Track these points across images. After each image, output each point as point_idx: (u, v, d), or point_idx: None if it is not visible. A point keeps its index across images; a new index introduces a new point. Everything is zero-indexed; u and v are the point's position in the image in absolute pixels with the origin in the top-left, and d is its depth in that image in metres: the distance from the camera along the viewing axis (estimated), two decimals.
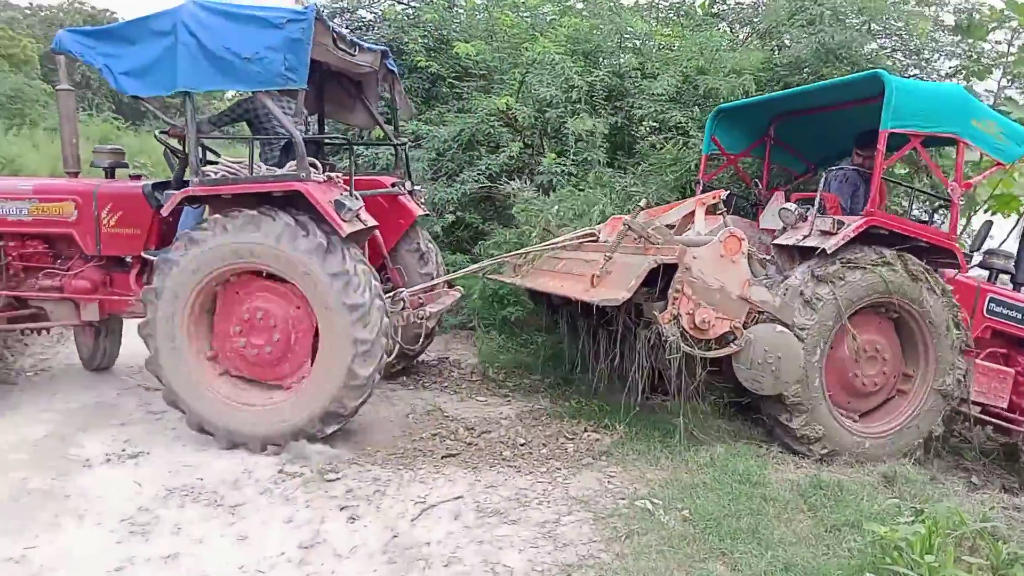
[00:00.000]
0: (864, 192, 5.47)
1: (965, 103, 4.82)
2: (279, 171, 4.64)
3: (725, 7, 8.50)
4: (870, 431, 4.89)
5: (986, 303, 5.29)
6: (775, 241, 5.21)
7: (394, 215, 5.47)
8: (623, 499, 3.90)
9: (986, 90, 7.18)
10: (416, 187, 5.81)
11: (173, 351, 4.42)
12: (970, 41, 6.87)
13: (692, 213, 5.28)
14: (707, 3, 8.62)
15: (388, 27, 8.69)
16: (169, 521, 3.60)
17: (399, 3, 9.15)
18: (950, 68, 7.13)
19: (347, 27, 9.29)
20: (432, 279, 5.56)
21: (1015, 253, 5.75)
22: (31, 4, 19.60)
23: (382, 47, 5.47)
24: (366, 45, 5.16)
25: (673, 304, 4.29)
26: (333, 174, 4.72)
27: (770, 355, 4.40)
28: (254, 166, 4.60)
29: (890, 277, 4.69)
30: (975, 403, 5.15)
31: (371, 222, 4.56)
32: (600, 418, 5.13)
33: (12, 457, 4.20)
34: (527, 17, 8.56)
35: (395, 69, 5.53)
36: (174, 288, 4.36)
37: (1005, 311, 5.33)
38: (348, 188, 4.49)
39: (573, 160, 7.08)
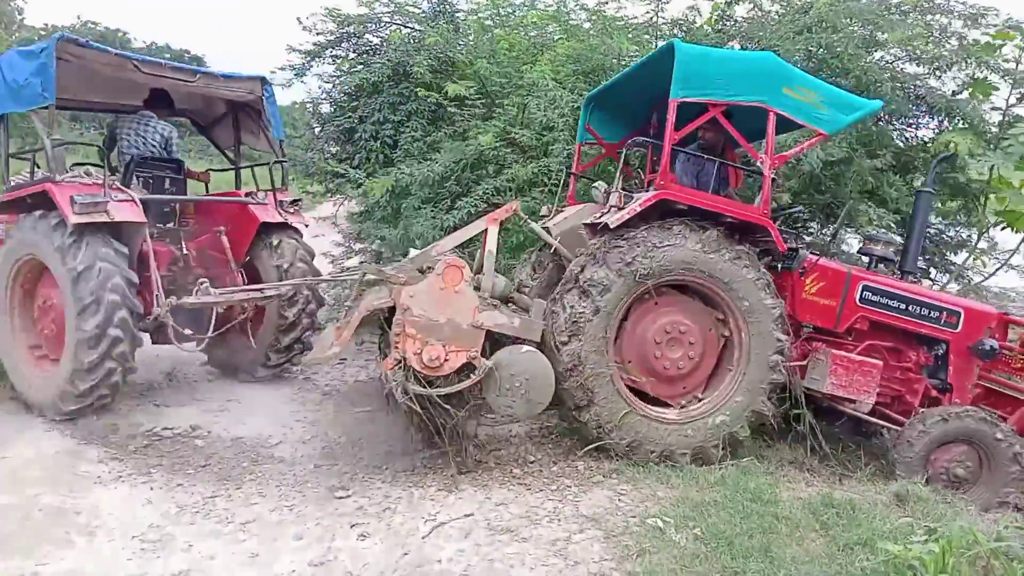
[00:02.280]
0: (709, 171, 5.21)
1: (775, 71, 4.52)
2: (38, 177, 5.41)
3: (731, 24, 8.49)
4: (677, 417, 4.63)
5: (859, 291, 4.90)
6: (584, 221, 4.99)
7: (244, 223, 6.19)
8: (634, 517, 3.88)
9: (993, 107, 7.11)
10: (286, 199, 6.40)
11: (8, 339, 5.43)
12: (977, 57, 6.80)
13: (485, 232, 4.82)
14: (713, 19, 8.63)
15: (394, 51, 8.74)
16: (180, 538, 3.61)
17: (404, 27, 9.21)
18: (956, 84, 7.06)
19: (355, 52, 9.40)
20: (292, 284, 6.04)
21: (897, 239, 5.37)
22: (46, 25, 19.98)
23: (259, 75, 6.14)
24: (221, 73, 5.89)
25: (396, 348, 4.12)
26: (98, 174, 5.30)
27: (517, 378, 4.21)
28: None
29: (674, 254, 4.42)
30: (848, 400, 4.78)
31: (128, 218, 5.04)
32: None
33: (25, 473, 4.22)
34: (533, 36, 8.58)
35: (269, 95, 6.19)
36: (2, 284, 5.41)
37: (884, 300, 4.92)
38: (103, 187, 5.03)
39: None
